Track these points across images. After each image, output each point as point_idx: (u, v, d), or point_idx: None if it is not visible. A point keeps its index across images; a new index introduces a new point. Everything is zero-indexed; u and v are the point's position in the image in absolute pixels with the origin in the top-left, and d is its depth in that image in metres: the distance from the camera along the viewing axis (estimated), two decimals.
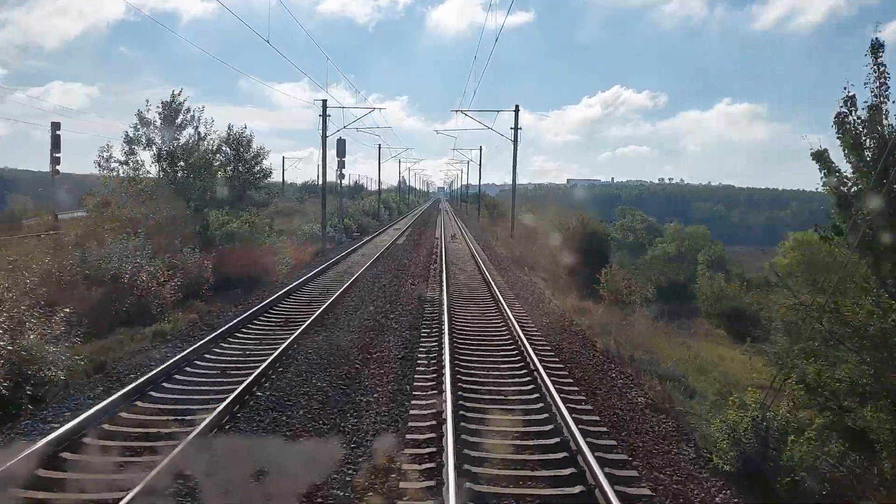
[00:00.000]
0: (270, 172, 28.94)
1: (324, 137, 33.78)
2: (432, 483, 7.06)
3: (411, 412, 9.27)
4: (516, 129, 33.08)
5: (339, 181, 38.29)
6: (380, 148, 59.43)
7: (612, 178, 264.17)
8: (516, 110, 33.15)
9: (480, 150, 61.61)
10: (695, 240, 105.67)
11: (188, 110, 23.65)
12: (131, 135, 21.98)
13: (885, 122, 8.90)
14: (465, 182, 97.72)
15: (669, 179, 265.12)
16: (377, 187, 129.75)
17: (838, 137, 9.13)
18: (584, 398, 10.28)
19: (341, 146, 37.02)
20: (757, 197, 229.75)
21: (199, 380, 10.57)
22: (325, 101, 33.83)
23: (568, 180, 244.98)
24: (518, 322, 14.89)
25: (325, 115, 33.74)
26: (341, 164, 37.28)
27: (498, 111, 33.78)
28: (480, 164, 62.02)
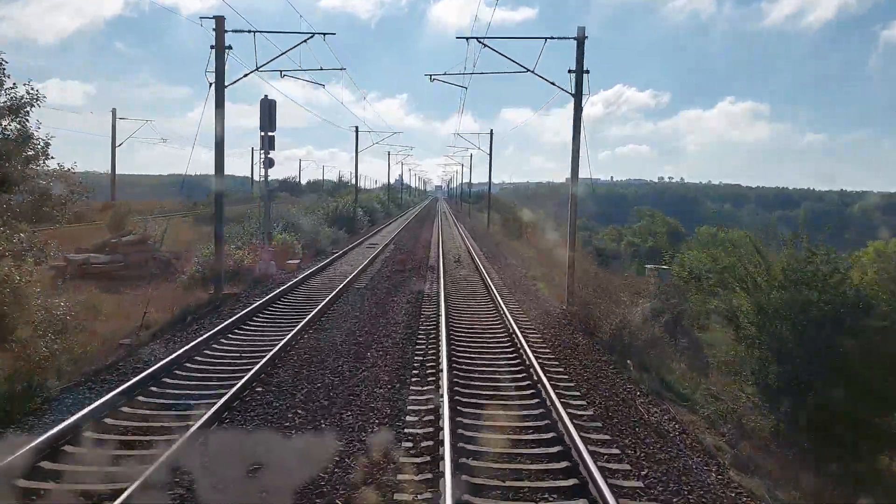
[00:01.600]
0: (46, 147, 12.28)
1: (219, 85, 17.41)
2: None
3: None
4: (581, 72, 16.93)
5: (262, 171, 21.92)
6: (357, 130, 43.03)
7: (612, 177, 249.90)
8: (580, 40, 16.97)
9: (491, 134, 44.96)
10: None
11: None
12: None
13: None
14: (465, 179, 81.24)
15: (670, 178, 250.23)
16: (372, 185, 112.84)
17: None
18: None
19: (266, 111, 20.74)
20: (765, 196, 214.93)
21: None
22: (220, 20, 17.48)
23: (567, 179, 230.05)
24: None
25: (221, 45, 17.37)
26: (268, 143, 21.08)
27: (546, 38, 17.32)
28: (491, 154, 45.32)
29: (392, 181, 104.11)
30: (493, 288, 18.21)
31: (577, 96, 17.34)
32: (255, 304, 14.97)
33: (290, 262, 22.01)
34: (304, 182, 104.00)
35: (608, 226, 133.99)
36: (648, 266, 18.72)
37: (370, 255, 25.99)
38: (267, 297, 15.89)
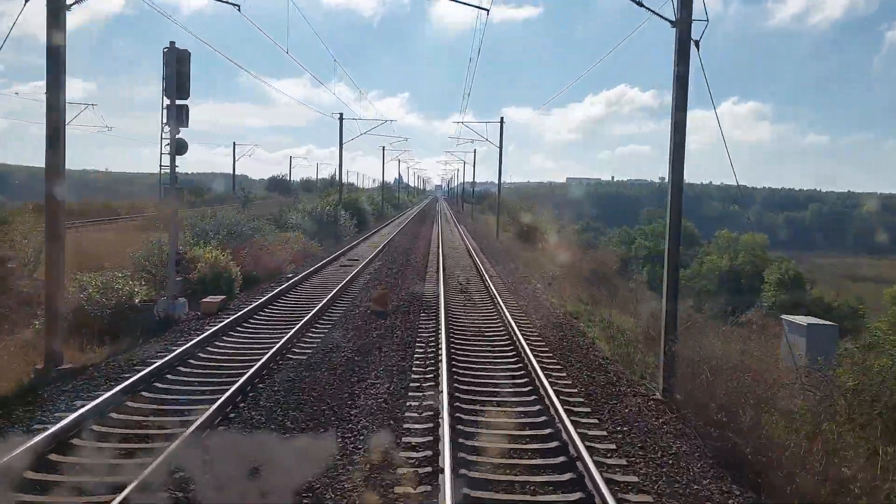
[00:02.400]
0: None
1: None
2: None
3: None
4: None
5: (165, 155, 13.90)
6: (341, 118, 35.24)
7: (613, 177, 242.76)
8: None
9: (501, 123, 36.71)
10: (751, 251, 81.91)
11: None
12: None
13: None
14: (467, 178, 73.16)
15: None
16: (372, 184, 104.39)
17: None
18: None
19: (173, 66, 12.97)
20: (771, 197, 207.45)
21: None
22: None
23: (568, 178, 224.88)
24: None
25: None
26: (176, 116, 13.23)
27: None
28: (501, 146, 37.14)
29: (392, 181, 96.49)
30: (526, 352, 10.46)
31: (683, 25, 9.56)
32: (71, 417, 7.20)
33: (208, 299, 14.20)
34: (298, 180, 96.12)
35: (613, 228, 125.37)
36: (792, 319, 10.89)
37: (342, 280, 18.20)
38: (117, 389, 8.15)
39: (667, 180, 9.98)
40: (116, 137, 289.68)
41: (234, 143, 64.86)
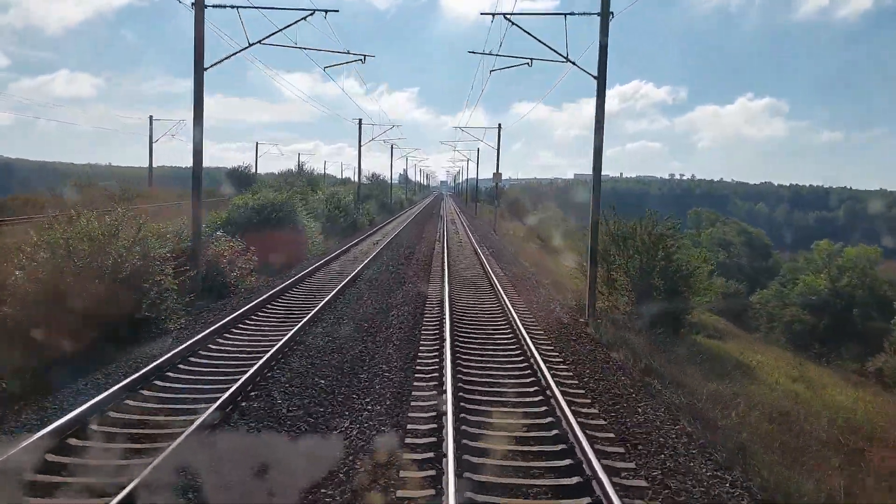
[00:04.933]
0: None
1: None
2: None
3: None
4: None
5: None
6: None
7: (621, 174, 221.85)
8: None
9: (606, 10, 13.87)
10: (860, 267, 57.17)
11: None
12: None
13: None
14: (470, 174, 50.43)
15: (681, 175, 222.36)
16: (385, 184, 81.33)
17: None
18: None
19: None
20: (799, 194, 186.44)
21: None
22: None
23: (575, 175, 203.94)
24: None
25: None
26: None
27: None
28: (605, 58, 13.03)
29: (394, 176, 74.36)
30: None
31: None
32: None
33: None
34: (273, 173, 73.95)
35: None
36: None
37: None
38: None
39: None
40: (121, 134, 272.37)
41: (150, 116, 42.56)
